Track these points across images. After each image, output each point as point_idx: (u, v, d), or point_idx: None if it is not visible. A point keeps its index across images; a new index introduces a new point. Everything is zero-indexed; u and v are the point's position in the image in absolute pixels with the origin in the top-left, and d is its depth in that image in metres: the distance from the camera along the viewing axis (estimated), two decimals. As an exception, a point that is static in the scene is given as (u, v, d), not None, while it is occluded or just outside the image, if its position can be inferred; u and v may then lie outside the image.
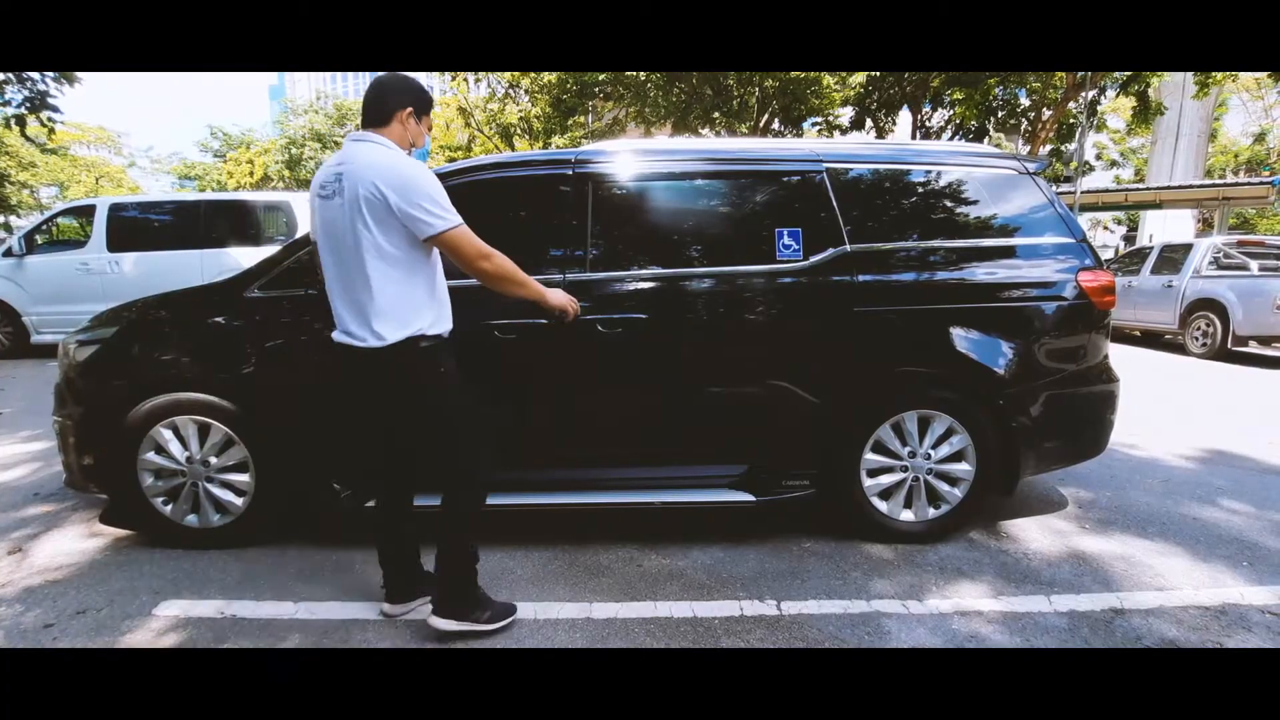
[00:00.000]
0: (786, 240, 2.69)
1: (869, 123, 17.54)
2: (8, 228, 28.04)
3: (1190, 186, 17.62)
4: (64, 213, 8.39)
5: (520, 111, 21.58)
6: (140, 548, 2.78)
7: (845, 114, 18.09)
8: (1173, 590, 2.49)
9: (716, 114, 16.70)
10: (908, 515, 2.82)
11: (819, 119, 17.97)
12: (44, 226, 8.22)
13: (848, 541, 2.82)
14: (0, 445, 4.28)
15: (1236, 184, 17.52)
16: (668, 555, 2.73)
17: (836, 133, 17.92)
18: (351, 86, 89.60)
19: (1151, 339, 10.02)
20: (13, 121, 8.76)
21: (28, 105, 8.62)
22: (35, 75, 8.48)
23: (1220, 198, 16.75)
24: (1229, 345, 8.08)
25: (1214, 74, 12.46)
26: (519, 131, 21.81)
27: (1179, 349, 8.95)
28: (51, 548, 2.80)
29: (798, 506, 2.76)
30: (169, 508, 2.74)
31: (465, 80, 21.26)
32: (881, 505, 2.81)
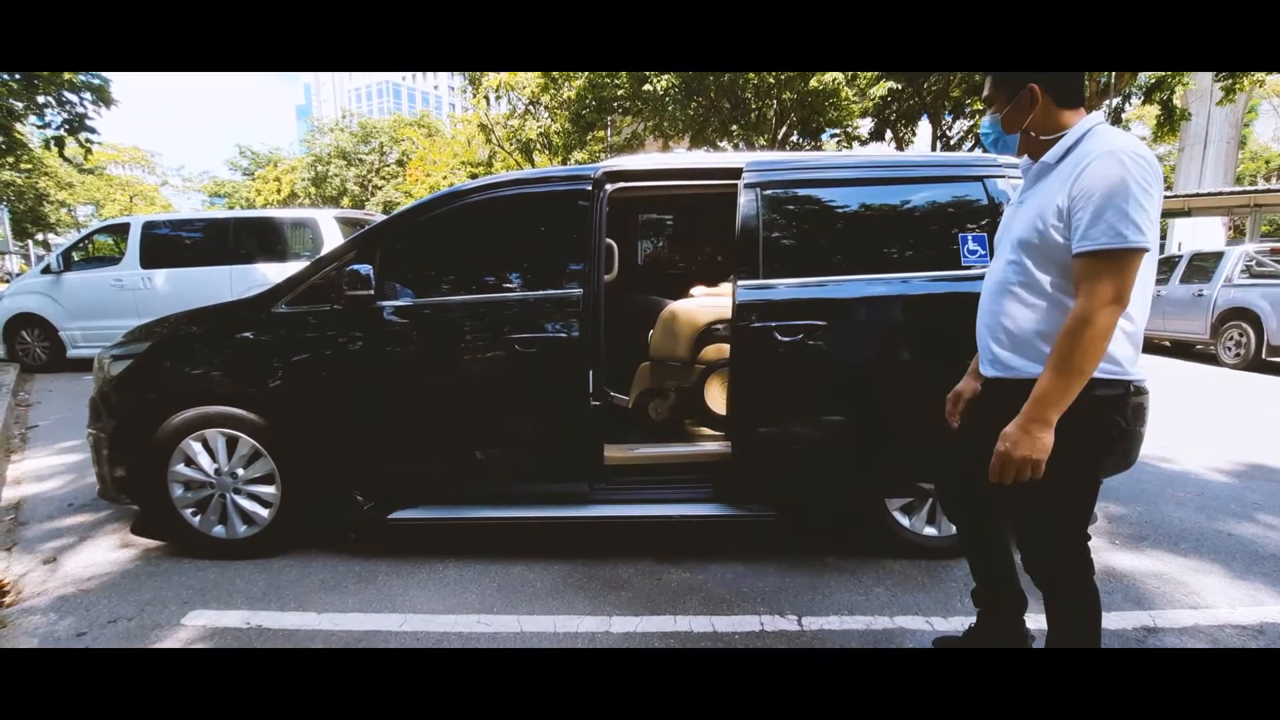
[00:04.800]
0: (971, 245, 2.60)
1: (889, 134, 17.43)
2: (47, 245, 29.05)
3: (1220, 193, 17.20)
4: (100, 230, 8.66)
5: (540, 127, 21.82)
6: (170, 558, 2.84)
7: (865, 125, 18.00)
8: (1208, 609, 2.42)
9: (735, 127, 16.72)
10: (931, 530, 2.78)
11: (837, 131, 17.90)
12: (80, 244, 8.49)
13: (870, 557, 2.79)
14: (37, 457, 4.40)
15: (1268, 190, 17.10)
16: (688, 569, 2.72)
17: (856, 144, 17.82)
18: (376, 106, 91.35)
19: (1182, 349, 9.79)
20: (53, 143, 9.10)
21: (67, 127, 8.94)
22: (74, 98, 8.80)
23: (1251, 204, 16.36)
24: (1263, 355, 7.87)
25: (1239, 80, 12.19)
26: (539, 147, 22.03)
27: (1211, 359, 8.73)
28: (85, 557, 2.87)
29: (819, 520, 2.73)
30: (197, 519, 2.80)
31: (486, 97, 21.56)
32: (904, 520, 2.77)
